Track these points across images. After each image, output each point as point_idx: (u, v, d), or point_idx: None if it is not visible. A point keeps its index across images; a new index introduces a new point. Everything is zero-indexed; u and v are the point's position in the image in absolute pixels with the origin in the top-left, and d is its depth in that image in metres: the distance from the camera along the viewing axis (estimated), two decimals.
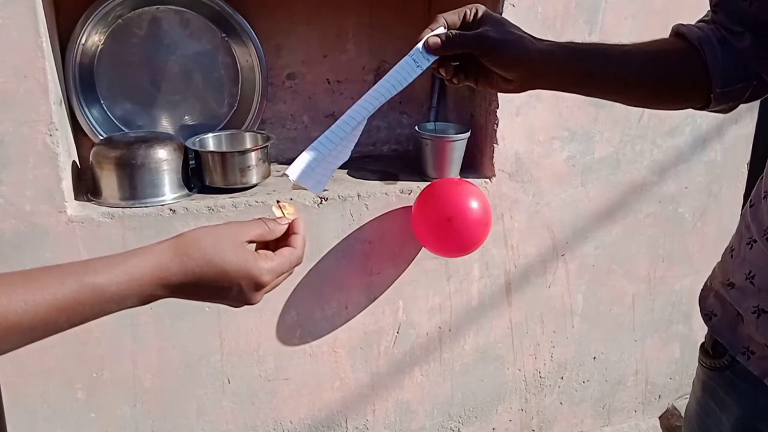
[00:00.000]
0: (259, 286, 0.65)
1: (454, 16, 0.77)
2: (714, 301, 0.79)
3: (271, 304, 1.50)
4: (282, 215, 0.73)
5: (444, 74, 0.78)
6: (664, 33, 1.67)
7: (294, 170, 0.73)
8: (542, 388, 1.88)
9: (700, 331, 2.03)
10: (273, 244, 0.70)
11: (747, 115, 1.85)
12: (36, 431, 1.43)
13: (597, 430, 2.01)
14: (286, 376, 1.57)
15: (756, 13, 0.71)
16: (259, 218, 0.70)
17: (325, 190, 0.77)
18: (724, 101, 0.77)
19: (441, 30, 0.76)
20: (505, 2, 1.48)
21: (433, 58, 0.76)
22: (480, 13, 0.76)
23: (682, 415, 2.08)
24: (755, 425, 0.74)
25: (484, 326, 1.74)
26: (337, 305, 1.57)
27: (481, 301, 1.72)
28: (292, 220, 0.72)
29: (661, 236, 1.87)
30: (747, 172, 1.93)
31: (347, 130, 0.75)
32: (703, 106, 0.79)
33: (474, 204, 1.48)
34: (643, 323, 1.94)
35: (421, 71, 0.76)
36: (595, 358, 1.92)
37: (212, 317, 1.46)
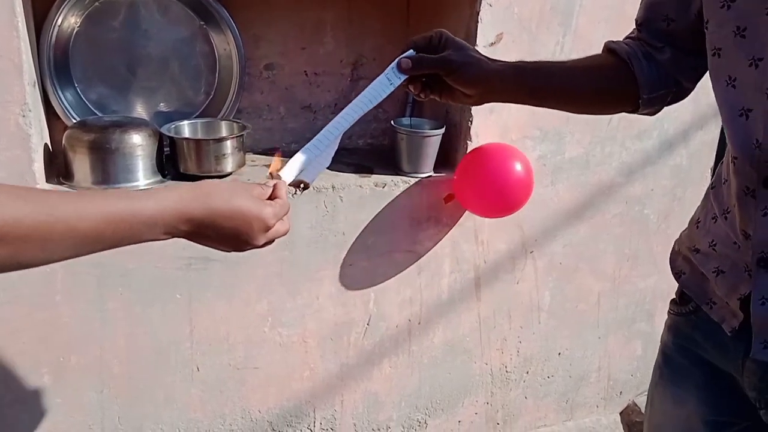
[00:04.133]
0: (267, 229, 0.74)
1: (422, 40, 0.89)
2: (682, 263, 0.95)
3: (243, 293, 1.51)
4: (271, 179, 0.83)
5: (413, 90, 0.91)
6: None
7: (288, 173, 0.84)
8: (508, 383, 1.92)
9: (660, 329, 2.09)
10: None
11: (712, 121, 1.91)
12: (0, 416, 1.42)
13: (560, 424, 2.06)
14: (256, 365, 1.58)
15: (673, 31, 0.87)
16: (254, 183, 0.79)
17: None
18: (650, 105, 0.92)
19: (411, 52, 0.88)
20: (482, 2, 1.51)
21: (404, 77, 0.88)
22: (444, 38, 0.88)
23: (643, 411, 2.15)
24: (715, 357, 0.90)
25: (453, 320, 1.77)
26: (308, 296, 1.58)
27: (451, 295, 1.75)
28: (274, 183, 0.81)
29: (627, 236, 1.93)
30: (711, 177, 2.00)
31: (330, 139, 0.87)
32: (633, 110, 0.94)
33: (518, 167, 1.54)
34: (607, 321, 2.00)
35: (393, 88, 0.89)
36: (560, 353, 1.97)
37: (183, 305, 1.47)
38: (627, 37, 0.95)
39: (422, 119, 1.73)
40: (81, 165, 1.38)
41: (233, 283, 1.50)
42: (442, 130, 1.63)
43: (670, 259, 0.98)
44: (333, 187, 1.53)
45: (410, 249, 1.66)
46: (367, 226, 1.59)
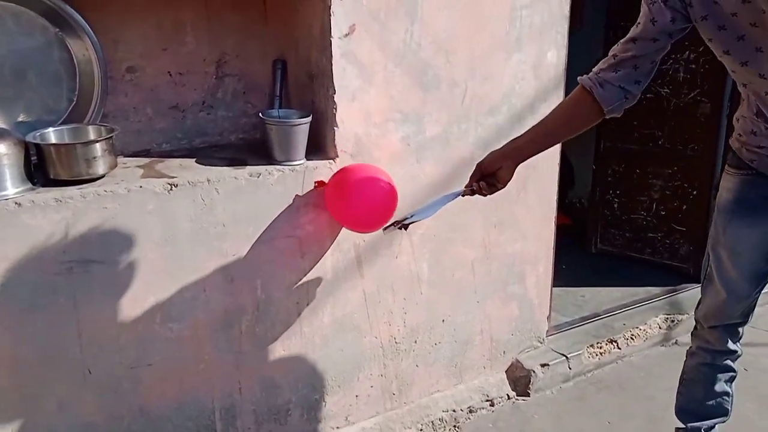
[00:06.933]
0: None
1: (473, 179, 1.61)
2: (749, 154, 1.52)
3: (128, 291, 1.63)
4: None
5: (478, 191, 1.60)
6: (475, 21, 2.09)
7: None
8: (398, 353, 2.15)
9: (533, 290, 2.43)
10: None
11: (554, 94, 2.25)
12: None
13: (451, 388, 2.32)
14: (150, 362, 1.70)
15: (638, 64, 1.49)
16: None
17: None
18: (612, 113, 1.52)
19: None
20: None
21: (462, 190, 1.64)
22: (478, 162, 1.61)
23: (526, 367, 2.46)
24: None
25: (339, 299, 1.98)
26: (195, 288, 1.73)
27: (335, 274, 1.96)
28: None
29: (492, 206, 2.22)
30: (560, 146, 2.34)
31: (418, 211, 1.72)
32: (603, 118, 1.54)
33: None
34: (483, 285, 2.29)
35: (458, 195, 1.64)
36: (443, 320, 2.23)
37: (68, 309, 1.56)
38: (591, 72, 1.52)
39: (290, 110, 1.92)
40: None
41: (118, 282, 1.61)
42: (309, 119, 1.83)
43: (738, 156, 1.55)
44: (208, 181, 1.69)
45: (291, 234, 1.84)
46: (245, 215, 1.76)
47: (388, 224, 1.74)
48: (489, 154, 1.59)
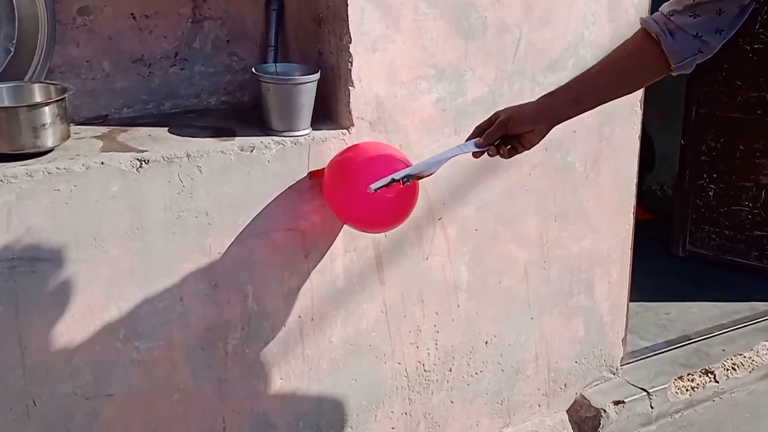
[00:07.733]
0: None
1: (486, 123, 1.59)
2: None
3: (85, 298, 1.70)
4: None
5: (495, 153, 1.58)
6: None
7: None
8: (428, 384, 2.22)
9: (603, 303, 2.49)
10: None
11: None
12: None
13: (496, 431, 2.39)
14: (110, 391, 1.77)
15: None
16: None
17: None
18: (681, 70, 1.51)
19: (479, 139, 1.59)
20: None
21: (475, 149, 1.60)
22: (501, 116, 1.57)
23: (594, 405, 2.53)
24: None
25: (353, 311, 2.05)
26: (169, 296, 1.79)
27: (348, 280, 2.02)
28: None
29: (550, 190, 2.29)
30: (641, 112, 2.40)
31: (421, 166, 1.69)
32: (668, 75, 1.53)
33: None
34: (539, 296, 2.36)
35: (467, 151, 1.62)
36: (487, 342, 2.30)
37: (8, 320, 1.63)
38: (664, 12, 1.49)
39: (290, 64, 1.99)
40: None
41: (71, 286, 1.68)
42: (317, 75, 1.89)
43: None
44: (188, 156, 1.75)
45: (292, 226, 1.91)
46: (235, 201, 1.82)
47: (380, 183, 1.61)
48: (514, 109, 1.59)
